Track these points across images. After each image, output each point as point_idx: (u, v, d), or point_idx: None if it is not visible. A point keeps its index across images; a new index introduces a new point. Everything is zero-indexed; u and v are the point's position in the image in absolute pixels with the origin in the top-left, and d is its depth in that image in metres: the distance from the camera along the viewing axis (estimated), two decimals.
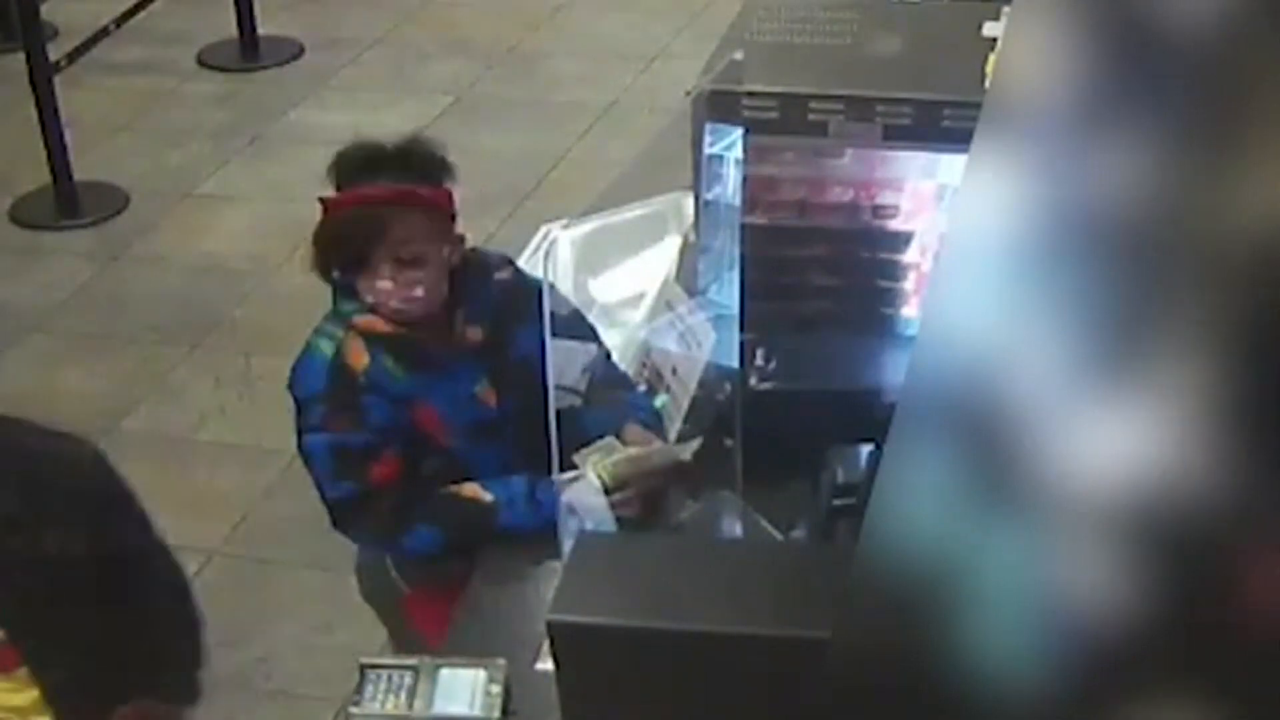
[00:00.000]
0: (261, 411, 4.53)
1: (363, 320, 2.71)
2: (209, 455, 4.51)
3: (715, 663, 2.10)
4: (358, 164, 2.69)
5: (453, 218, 2.76)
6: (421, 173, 2.70)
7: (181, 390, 4.76)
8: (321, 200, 2.69)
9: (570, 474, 2.67)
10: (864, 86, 2.85)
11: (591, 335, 2.91)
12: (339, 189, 2.70)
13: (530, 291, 2.78)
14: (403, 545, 2.78)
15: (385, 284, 2.67)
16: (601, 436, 2.75)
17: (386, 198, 2.64)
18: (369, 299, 2.69)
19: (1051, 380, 1.47)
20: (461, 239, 2.77)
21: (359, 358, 2.71)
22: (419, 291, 2.68)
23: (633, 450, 2.72)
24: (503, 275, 2.85)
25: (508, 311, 2.78)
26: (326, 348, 2.72)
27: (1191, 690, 1.42)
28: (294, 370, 2.76)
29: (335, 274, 2.73)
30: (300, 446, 2.75)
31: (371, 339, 2.71)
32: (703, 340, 2.79)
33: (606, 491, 2.66)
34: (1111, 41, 1.45)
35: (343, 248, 2.68)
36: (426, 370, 2.74)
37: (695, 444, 2.75)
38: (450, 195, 2.74)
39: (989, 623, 1.53)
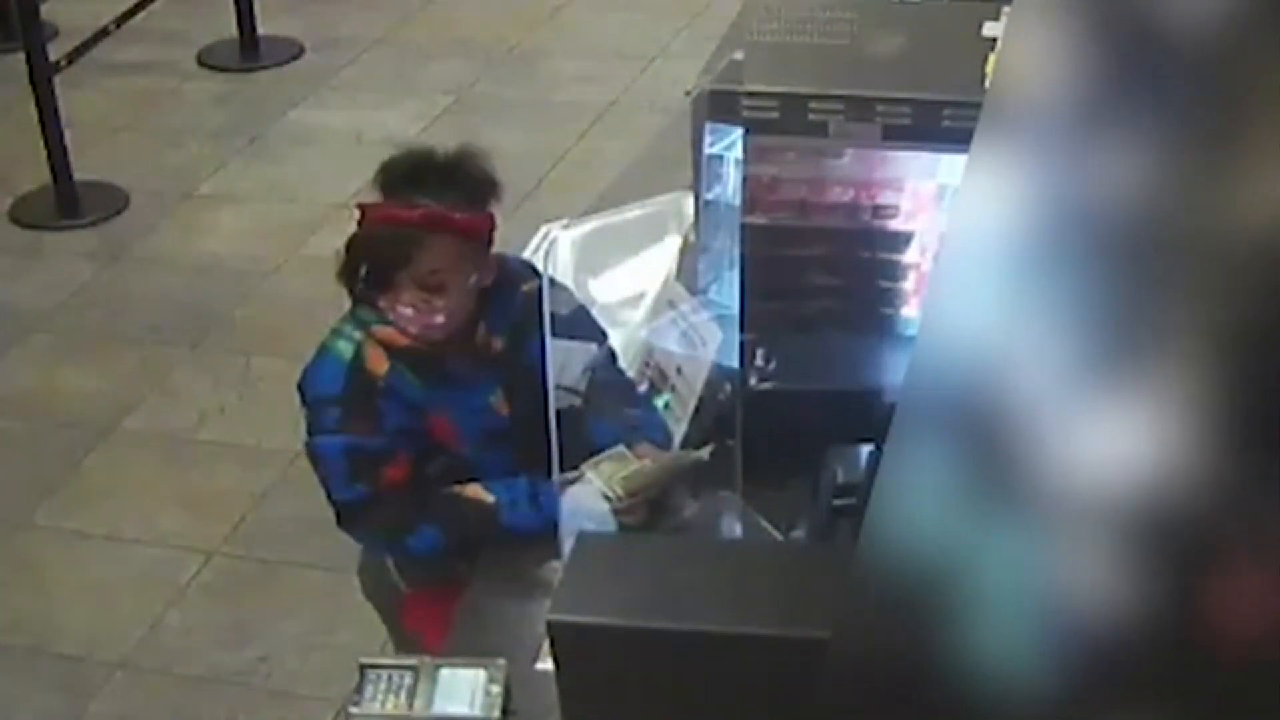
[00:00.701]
0: (261, 411, 4.53)
1: (382, 332, 2.69)
2: (209, 455, 4.51)
3: (715, 663, 2.10)
4: (403, 173, 2.64)
5: (489, 242, 2.72)
6: (466, 191, 2.65)
7: (181, 390, 4.76)
8: (360, 207, 2.65)
9: (571, 474, 2.67)
10: (864, 86, 2.85)
11: (599, 333, 2.90)
12: (384, 196, 2.65)
13: (553, 299, 2.77)
14: (406, 545, 2.78)
15: (406, 310, 2.64)
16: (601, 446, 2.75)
17: (418, 221, 2.59)
18: (389, 317, 2.68)
19: (1051, 380, 1.47)
20: (494, 261, 2.74)
21: (379, 363, 2.69)
22: (439, 319, 2.66)
23: (645, 463, 2.72)
24: (529, 287, 2.79)
25: (529, 321, 2.76)
26: (345, 350, 2.70)
27: (1189, 691, 1.42)
28: (307, 371, 2.75)
29: (359, 286, 2.69)
30: (310, 447, 2.74)
31: (392, 351, 2.70)
32: (708, 339, 2.79)
33: (617, 500, 2.67)
34: (1111, 41, 1.45)
35: (368, 265, 2.65)
36: (445, 383, 2.73)
37: (709, 447, 2.75)
38: (491, 219, 2.69)
39: (988, 623, 1.53)
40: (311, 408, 2.73)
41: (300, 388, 2.75)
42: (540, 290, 2.77)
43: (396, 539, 2.77)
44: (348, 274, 2.68)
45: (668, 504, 2.76)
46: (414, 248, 2.60)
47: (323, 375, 2.72)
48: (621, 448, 2.73)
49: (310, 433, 2.73)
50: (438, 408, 2.73)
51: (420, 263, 2.61)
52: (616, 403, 2.87)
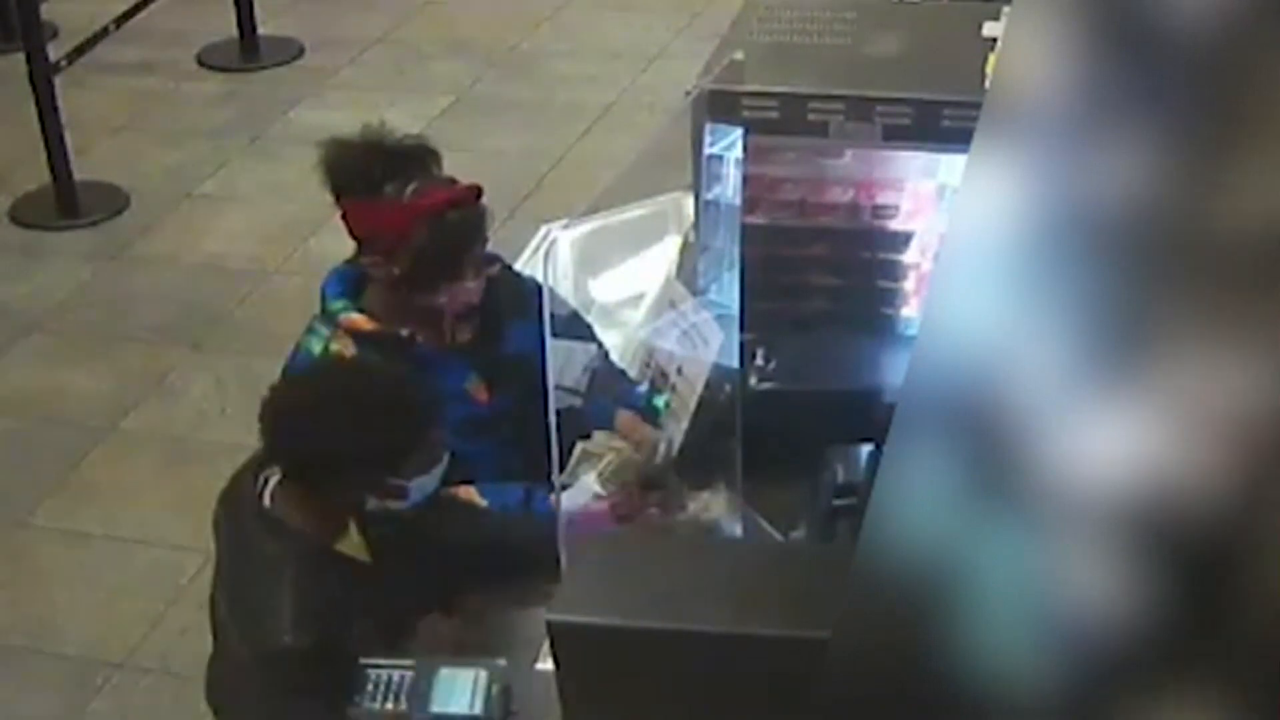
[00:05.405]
0: None
1: (347, 319, 2.70)
2: (209, 455, 4.49)
3: (715, 663, 2.10)
4: (360, 168, 2.63)
5: None
6: (426, 166, 2.66)
7: (181, 390, 4.76)
8: (401, 204, 2.61)
9: (568, 475, 2.67)
10: (864, 86, 2.85)
11: (589, 336, 2.90)
12: (344, 195, 2.65)
13: (520, 288, 2.78)
14: None
15: (470, 284, 2.68)
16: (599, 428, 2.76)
17: (475, 196, 2.65)
18: (441, 300, 2.68)
19: (1051, 380, 1.47)
20: None
21: (346, 355, 2.69)
22: (481, 286, 2.70)
23: (628, 447, 2.72)
24: (490, 272, 2.81)
25: (497, 308, 2.77)
26: (315, 346, 2.71)
27: (1190, 691, 1.42)
28: (284, 370, 2.75)
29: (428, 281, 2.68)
30: None
31: (358, 337, 2.70)
32: (709, 339, 2.79)
33: (611, 493, 2.67)
34: (1111, 41, 1.45)
35: (440, 254, 2.64)
36: (416, 368, 2.72)
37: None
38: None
39: (989, 623, 1.53)
40: None
41: None
42: (503, 278, 2.82)
43: None
44: (427, 274, 2.66)
45: (667, 501, 2.76)
46: (480, 223, 2.66)
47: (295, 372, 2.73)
48: (606, 434, 2.74)
49: None
50: None
51: (480, 236, 2.67)
52: (612, 390, 2.88)
